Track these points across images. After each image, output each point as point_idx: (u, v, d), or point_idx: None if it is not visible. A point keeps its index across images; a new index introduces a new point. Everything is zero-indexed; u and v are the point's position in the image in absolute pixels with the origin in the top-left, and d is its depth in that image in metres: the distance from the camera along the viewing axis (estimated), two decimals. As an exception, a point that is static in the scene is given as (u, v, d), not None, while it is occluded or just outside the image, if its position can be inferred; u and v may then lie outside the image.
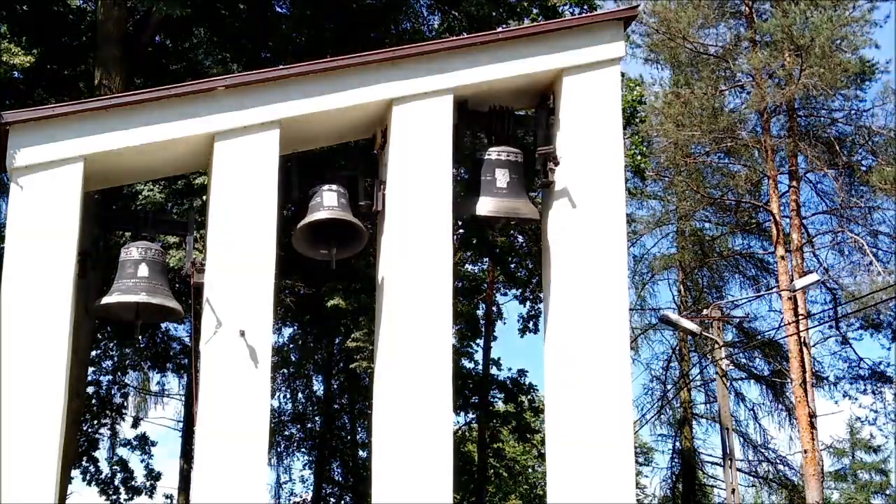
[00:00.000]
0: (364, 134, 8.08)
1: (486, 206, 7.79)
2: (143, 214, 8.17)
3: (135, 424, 24.63)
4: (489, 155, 7.83)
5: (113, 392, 23.45)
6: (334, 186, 7.64)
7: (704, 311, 25.51)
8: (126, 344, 21.43)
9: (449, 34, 16.96)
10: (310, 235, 7.77)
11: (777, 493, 33.61)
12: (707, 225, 32.54)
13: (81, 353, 14.57)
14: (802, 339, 26.90)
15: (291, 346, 26.13)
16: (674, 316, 25.21)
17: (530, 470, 36.70)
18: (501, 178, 7.79)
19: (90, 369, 19.79)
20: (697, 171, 30.24)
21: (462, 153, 7.98)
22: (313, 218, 7.57)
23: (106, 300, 7.63)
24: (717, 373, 23.11)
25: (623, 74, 19.26)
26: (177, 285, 12.01)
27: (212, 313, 7.00)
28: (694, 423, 33.33)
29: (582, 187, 7.60)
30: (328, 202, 7.59)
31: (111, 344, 21.89)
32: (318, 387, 28.80)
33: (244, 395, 6.92)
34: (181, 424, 25.80)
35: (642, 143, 21.55)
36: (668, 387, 32.57)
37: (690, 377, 32.30)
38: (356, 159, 7.88)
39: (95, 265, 7.67)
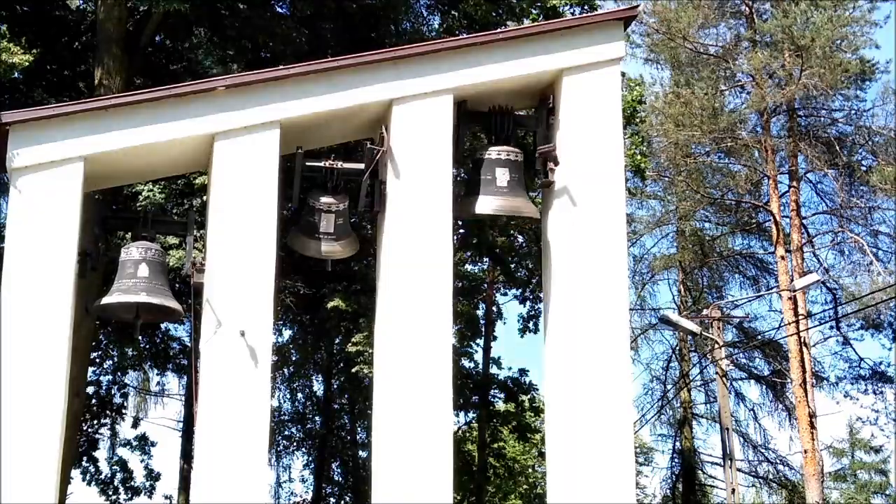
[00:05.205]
0: (364, 134, 8.08)
1: (486, 204, 7.81)
2: (143, 214, 8.16)
3: (135, 424, 24.61)
4: (489, 154, 7.85)
5: (113, 392, 23.43)
6: (332, 201, 7.66)
7: (704, 311, 25.48)
8: (126, 344, 21.41)
9: (449, 34, 16.93)
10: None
11: (777, 493, 33.62)
12: (707, 225, 32.55)
13: (81, 353, 14.58)
14: (802, 339, 26.90)
15: (291, 346, 26.12)
16: (674, 316, 25.24)
17: (530, 470, 36.68)
18: (502, 177, 7.80)
19: (90, 369, 19.78)
20: (697, 171, 30.23)
21: (462, 153, 7.98)
22: (308, 253, 7.73)
23: (106, 300, 7.64)
24: (717, 373, 23.11)
25: (623, 74, 19.24)
26: (177, 285, 12.01)
27: (212, 313, 6.99)
28: (694, 423, 33.33)
29: (582, 187, 7.60)
30: (324, 227, 7.66)
31: (111, 344, 21.86)
32: (318, 387, 28.83)
33: (244, 395, 6.92)
34: (181, 424, 25.79)
35: (642, 143, 21.51)
36: (668, 387, 32.57)
37: (690, 377, 32.31)
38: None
39: (95, 265, 7.66)
